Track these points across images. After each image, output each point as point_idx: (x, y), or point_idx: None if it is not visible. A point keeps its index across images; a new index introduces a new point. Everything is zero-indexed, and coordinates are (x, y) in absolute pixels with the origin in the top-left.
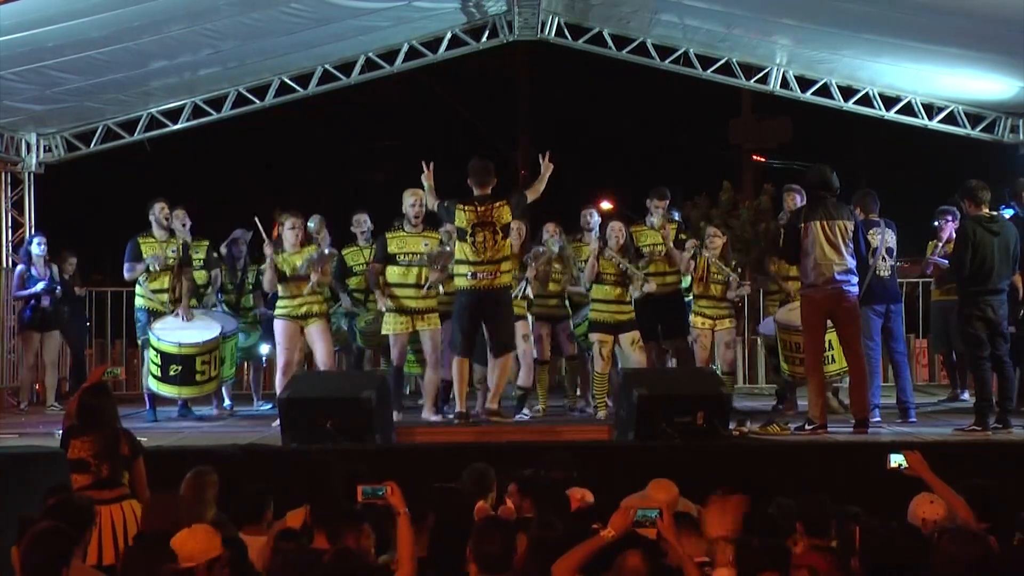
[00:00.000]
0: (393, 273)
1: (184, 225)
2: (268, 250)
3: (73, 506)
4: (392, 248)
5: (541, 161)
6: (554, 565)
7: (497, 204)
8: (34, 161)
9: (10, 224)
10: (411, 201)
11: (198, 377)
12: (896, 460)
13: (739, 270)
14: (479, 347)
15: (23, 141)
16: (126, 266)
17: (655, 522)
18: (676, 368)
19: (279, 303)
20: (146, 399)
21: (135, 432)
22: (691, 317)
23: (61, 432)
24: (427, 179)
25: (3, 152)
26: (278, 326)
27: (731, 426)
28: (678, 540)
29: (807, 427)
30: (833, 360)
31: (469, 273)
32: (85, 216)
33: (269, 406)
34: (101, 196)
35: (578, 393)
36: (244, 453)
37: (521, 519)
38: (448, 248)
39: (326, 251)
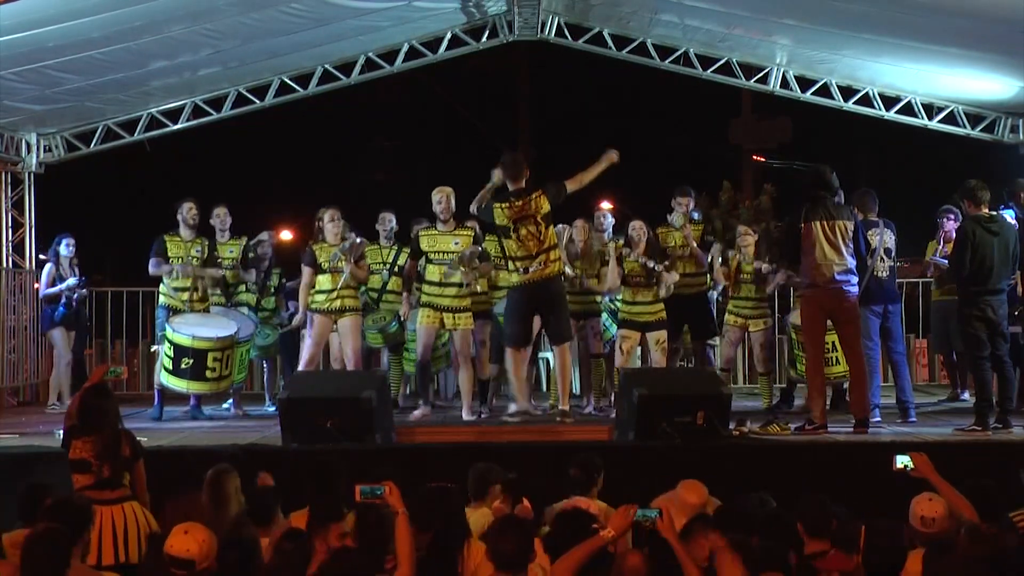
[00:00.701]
0: (427, 271)
1: (224, 227)
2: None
3: (71, 506)
4: (424, 246)
5: (608, 152)
6: (554, 565)
7: (534, 195)
8: (34, 161)
9: (10, 224)
10: (437, 199)
11: (208, 373)
12: (902, 461)
13: (772, 263)
14: (498, 348)
15: (23, 141)
16: (152, 261)
17: (655, 522)
18: (676, 368)
19: (314, 297)
20: (156, 395)
21: (136, 431)
22: (725, 316)
23: (62, 432)
24: (497, 178)
25: (3, 152)
26: (311, 319)
27: (731, 426)
28: (686, 541)
29: (807, 427)
30: (837, 362)
31: (520, 268)
32: (85, 216)
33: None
34: (101, 196)
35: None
36: (244, 453)
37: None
38: (479, 247)
39: (358, 240)
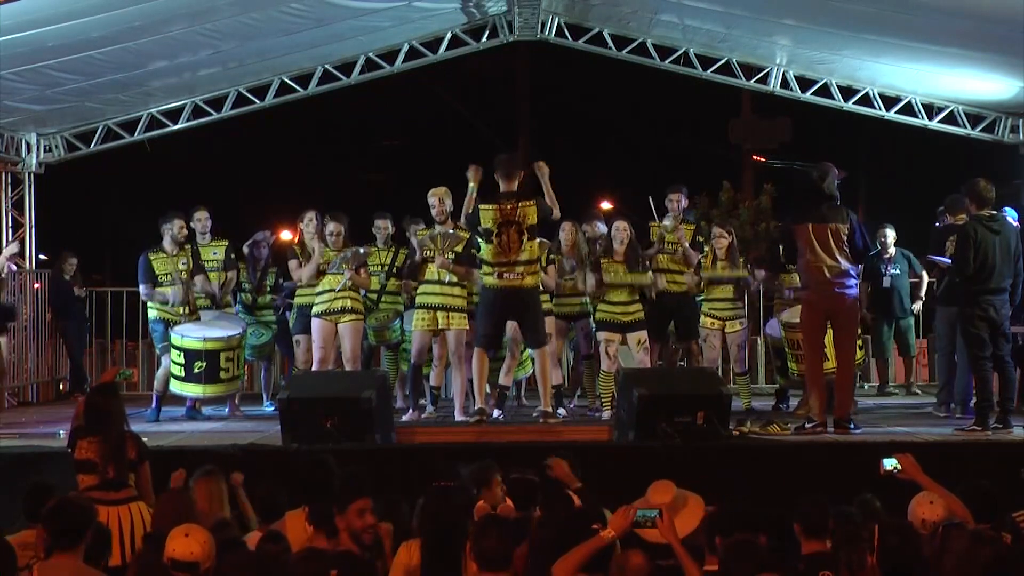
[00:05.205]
0: (424, 271)
1: (204, 230)
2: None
3: (73, 506)
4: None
5: (539, 174)
6: (554, 566)
7: (524, 203)
8: (34, 161)
9: (10, 224)
10: (432, 201)
11: (222, 375)
12: (890, 464)
13: (748, 266)
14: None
15: (23, 141)
16: (142, 288)
17: (655, 522)
18: (676, 368)
19: (315, 299)
20: (153, 399)
21: (135, 432)
22: (701, 318)
23: (68, 432)
24: (474, 180)
25: (3, 152)
26: (313, 325)
27: (731, 426)
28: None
29: (807, 425)
30: (826, 358)
31: (496, 272)
32: (85, 216)
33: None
34: (101, 196)
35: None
36: (244, 453)
37: (520, 519)
38: (453, 231)
39: (361, 250)
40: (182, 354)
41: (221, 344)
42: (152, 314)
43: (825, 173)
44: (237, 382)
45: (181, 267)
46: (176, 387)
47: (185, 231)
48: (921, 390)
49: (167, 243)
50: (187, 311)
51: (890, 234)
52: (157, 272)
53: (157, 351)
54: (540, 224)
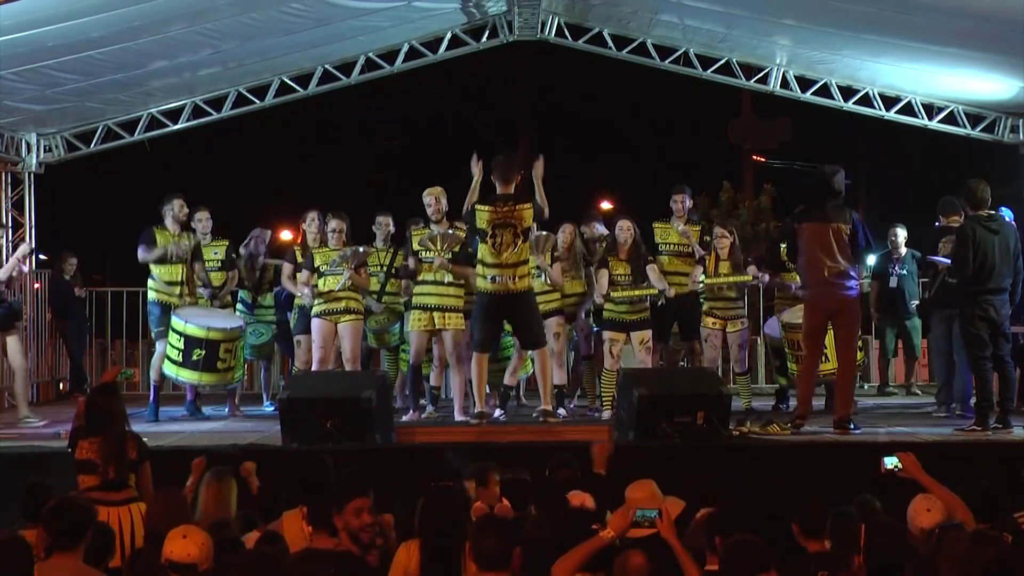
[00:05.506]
0: (420, 271)
1: (206, 230)
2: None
3: (73, 506)
4: (416, 245)
5: (534, 171)
6: (554, 566)
7: (520, 206)
8: (34, 161)
9: (10, 224)
10: (428, 201)
11: (219, 365)
12: (890, 463)
13: (752, 267)
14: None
15: (23, 141)
16: (140, 248)
17: (654, 522)
18: (676, 368)
19: (316, 300)
20: (152, 391)
21: (136, 432)
22: (703, 319)
23: (68, 432)
24: (478, 172)
25: (3, 152)
26: (313, 324)
27: (731, 426)
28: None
29: (795, 421)
30: (826, 359)
31: (489, 276)
32: (85, 216)
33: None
34: (101, 196)
35: (596, 393)
36: (244, 453)
37: (517, 519)
38: (452, 230)
39: (360, 249)
40: (182, 339)
41: (223, 335)
42: (151, 296)
43: (835, 171)
44: (231, 374)
45: (183, 246)
46: (171, 371)
47: (186, 210)
48: (921, 390)
49: (169, 223)
50: (186, 291)
51: (901, 233)
52: (159, 245)
53: (152, 335)
54: (537, 224)
